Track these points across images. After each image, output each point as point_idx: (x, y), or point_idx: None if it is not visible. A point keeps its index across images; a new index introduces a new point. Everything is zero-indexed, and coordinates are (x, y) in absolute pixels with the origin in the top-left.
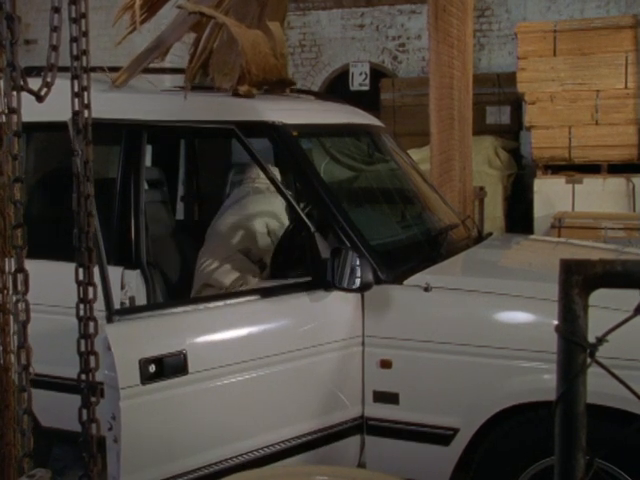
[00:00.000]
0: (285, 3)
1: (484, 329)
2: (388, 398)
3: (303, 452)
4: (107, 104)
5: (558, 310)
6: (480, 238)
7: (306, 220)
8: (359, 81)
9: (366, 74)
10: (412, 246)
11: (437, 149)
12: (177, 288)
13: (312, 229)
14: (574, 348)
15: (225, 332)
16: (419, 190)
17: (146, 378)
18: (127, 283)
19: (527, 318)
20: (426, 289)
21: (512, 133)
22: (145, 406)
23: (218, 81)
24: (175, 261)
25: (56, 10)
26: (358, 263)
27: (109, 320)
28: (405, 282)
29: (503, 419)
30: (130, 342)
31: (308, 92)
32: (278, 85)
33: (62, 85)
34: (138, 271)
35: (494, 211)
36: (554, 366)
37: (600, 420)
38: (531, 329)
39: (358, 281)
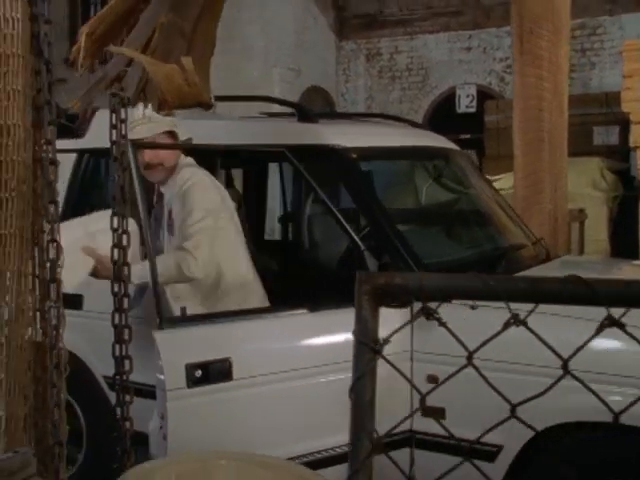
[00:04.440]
0: (213, 38)
1: (528, 347)
2: (435, 412)
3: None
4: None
5: (355, 316)
6: (547, 259)
7: (356, 239)
8: (466, 103)
9: (473, 96)
10: (466, 265)
11: (522, 172)
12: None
13: (362, 247)
14: (363, 348)
15: (271, 342)
16: (489, 213)
17: (192, 382)
18: None
19: (573, 338)
20: (472, 307)
21: (622, 154)
22: (190, 408)
23: (152, 105)
24: None
25: None
26: None
27: (159, 327)
28: (454, 300)
29: (552, 438)
30: (177, 348)
31: (392, 118)
32: (198, 107)
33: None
34: None
35: (597, 234)
36: (602, 386)
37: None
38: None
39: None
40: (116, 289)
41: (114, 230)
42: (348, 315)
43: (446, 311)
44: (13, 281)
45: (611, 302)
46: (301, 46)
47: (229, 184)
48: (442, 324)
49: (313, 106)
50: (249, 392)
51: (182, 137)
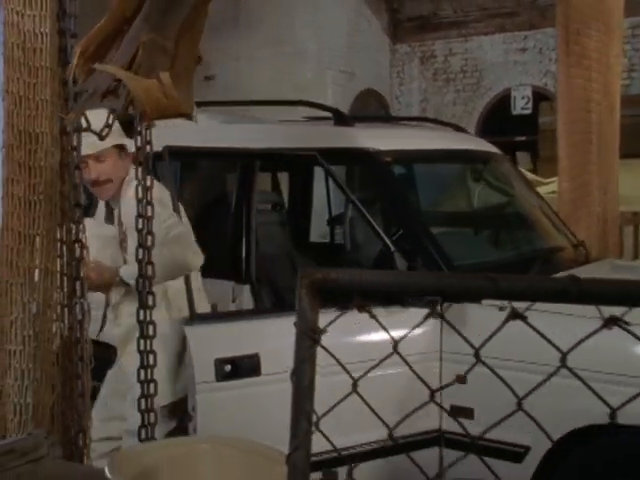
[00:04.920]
0: (195, 54)
1: (555, 349)
2: (464, 413)
3: (377, 458)
4: (221, 134)
5: (296, 307)
6: (586, 262)
7: (387, 240)
8: (521, 105)
9: (528, 98)
10: (499, 267)
11: (567, 174)
12: (288, 302)
13: (392, 249)
14: (303, 336)
15: None
16: (527, 215)
17: (221, 376)
18: (237, 296)
19: (602, 340)
20: (501, 308)
21: None
22: (219, 401)
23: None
24: (288, 278)
25: None
26: None
27: (190, 323)
28: (483, 301)
29: (580, 441)
30: (206, 343)
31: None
32: (178, 117)
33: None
34: (248, 286)
35: None
36: (630, 389)
37: None
38: (607, 351)
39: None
40: (140, 287)
41: (139, 230)
42: (377, 314)
43: (475, 312)
44: (41, 278)
45: (513, 296)
46: (354, 49)
47: (275, 187)
48: (372, 316)
49: (367, 109)
50: (277, 387)
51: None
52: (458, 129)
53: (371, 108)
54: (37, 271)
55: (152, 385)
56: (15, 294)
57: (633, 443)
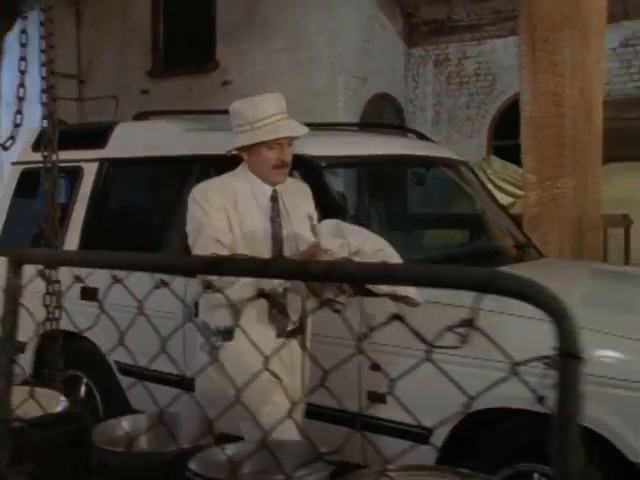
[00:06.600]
0: None
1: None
2: (378, 398)
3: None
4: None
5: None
6: (521, 261)
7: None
8: None
9: None
10: None
11: (532, 178)
12: None
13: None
14: (8, 296)
15: None
16: (467, 217)
17: None
18: None
19: (498, 331)
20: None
21: None
22: None
23: None
24: None
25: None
26: None
27: None
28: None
29: (479, 424)
30: None
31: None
32: None
33: None
34: None
35: None
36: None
37: None
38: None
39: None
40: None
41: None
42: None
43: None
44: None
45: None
46: (368, 54)
47: None
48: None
49: (380, 113)
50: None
51: None
52: (421, 137)
53: (385, 112)
54: None
55: None
56: None
57: (526, 426)
